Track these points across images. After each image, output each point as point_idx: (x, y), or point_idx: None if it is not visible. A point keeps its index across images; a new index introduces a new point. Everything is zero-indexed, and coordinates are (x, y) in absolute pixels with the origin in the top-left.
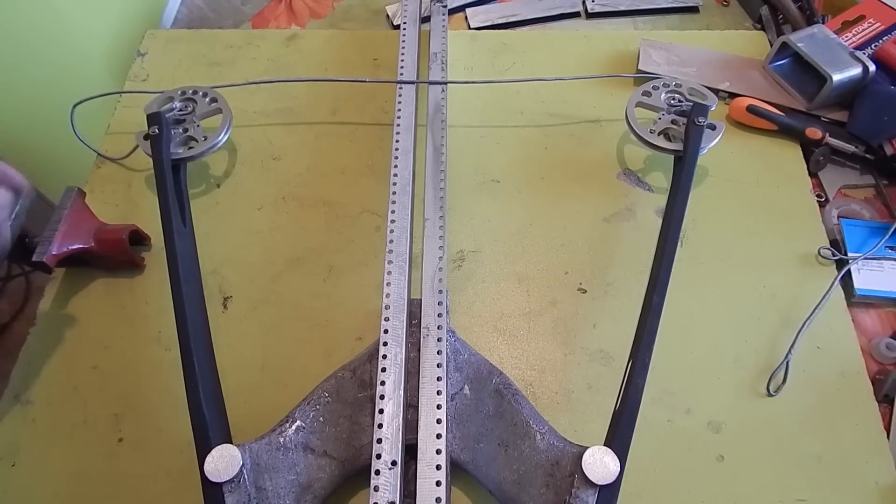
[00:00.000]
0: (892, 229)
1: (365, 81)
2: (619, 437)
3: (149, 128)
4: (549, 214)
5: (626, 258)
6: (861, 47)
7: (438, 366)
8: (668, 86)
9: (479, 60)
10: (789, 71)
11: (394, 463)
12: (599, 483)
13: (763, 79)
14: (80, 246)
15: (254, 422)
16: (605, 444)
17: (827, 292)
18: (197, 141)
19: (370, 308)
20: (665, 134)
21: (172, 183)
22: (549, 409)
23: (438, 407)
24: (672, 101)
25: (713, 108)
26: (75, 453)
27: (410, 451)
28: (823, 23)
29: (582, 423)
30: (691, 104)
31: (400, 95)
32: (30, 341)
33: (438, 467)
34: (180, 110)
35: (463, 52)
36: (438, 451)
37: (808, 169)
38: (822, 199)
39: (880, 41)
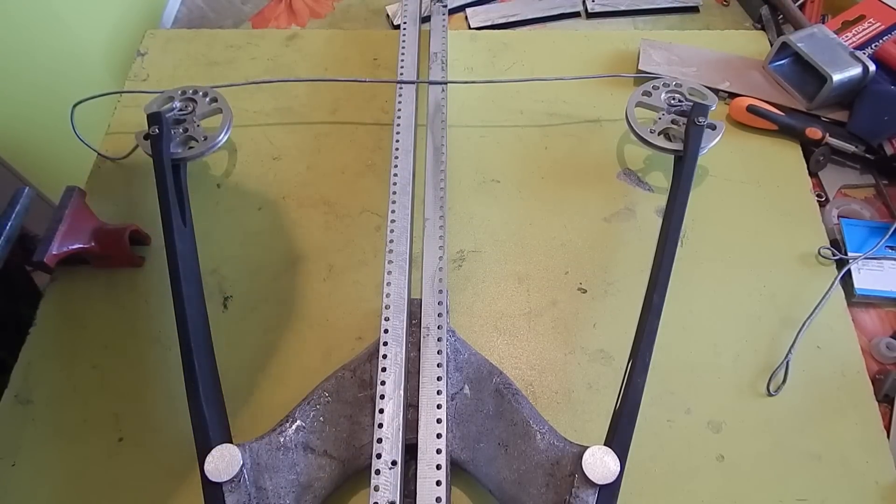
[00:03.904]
0: (892, 229)
1: (365, 81)
2: (619, 437)
3: (149, 128)
4: (549, 214)
5: (626, 258)
6: (861, 47)
7: (438, 365)
8: (668, 86)
9: (479, 60)
10: (789, 71)
11: (394, 463)
12: (599, 483)
13: (763, 79)
14: (80, 246)
15: (254, 422)
16: (605, 444)
17: (827, 292)
18: (197, 141)
19: (370, 308)
20: (665, 134)
21: (172, 183)
22: (549, 408)
23: (438, 407)
24: (672, 101)
25: (713, 108)
26: (75, 453)
27: (410, 450)
28: (823, 22)
29: (582, 423)
30: (691, 104)
31: (400, 95)
32: (30, 341)
33: (438, 467)
34: (180, 110)
35: (463, 52)
36: (438, 451)
37: (809, 169)
38: (823, 199)
39: (880, 41)
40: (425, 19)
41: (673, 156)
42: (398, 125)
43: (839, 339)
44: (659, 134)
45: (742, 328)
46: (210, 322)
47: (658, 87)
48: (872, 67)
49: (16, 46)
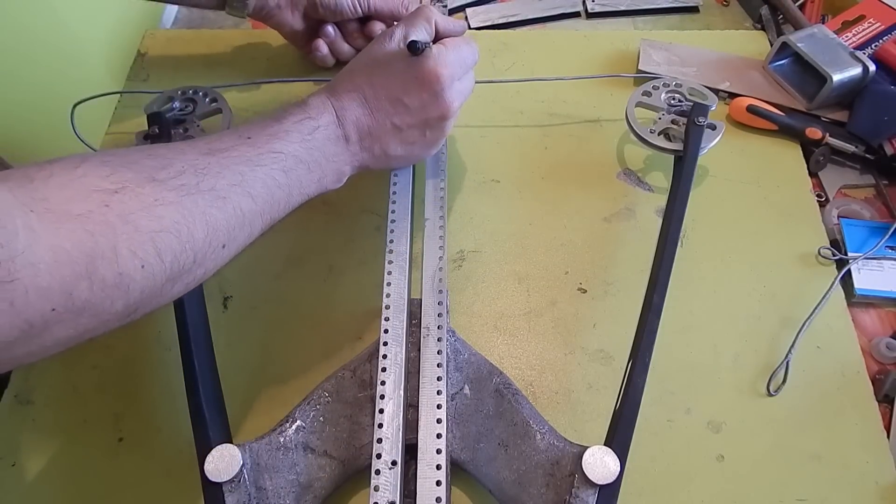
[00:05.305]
0: (892, 229)
1: None
2: (619, 437)
3: (149, 128)
4: (549, 214)
5: (626, 258)
6: (861, 47)
7: (438, 365)
8: (668, 86)
9: (479, 60)
10: (789, 71)
11: (394, 463)
12: (599, 483)
13: (763, 79)
14: None
15: (254, 422)
16: (605, 444)
17: (827, 292)
18: None
19: (370, 308)
20: (665, 134)
21: None
22: (549, 408)
23: (438, 407)
24: (672, 101)
25: (713, 108)
26: (75, 453)
27: (410, 450)
28: (823, 23)
29: (582, 423)
30: (691, 104)
31: None
32: None
33: (438, 467)
34: (180, 110)
35: None
36: (438, 451)
37: (809, 169)
38: (823, 199)
39: (880, 41)
40: None
41: (673, 156)
42: None
43: (839, 340)
44: (659, 134)
45: (742, 328)
46: (210, 322)
47: (658, 88)
48: (872, 67)
49: (16, 46)
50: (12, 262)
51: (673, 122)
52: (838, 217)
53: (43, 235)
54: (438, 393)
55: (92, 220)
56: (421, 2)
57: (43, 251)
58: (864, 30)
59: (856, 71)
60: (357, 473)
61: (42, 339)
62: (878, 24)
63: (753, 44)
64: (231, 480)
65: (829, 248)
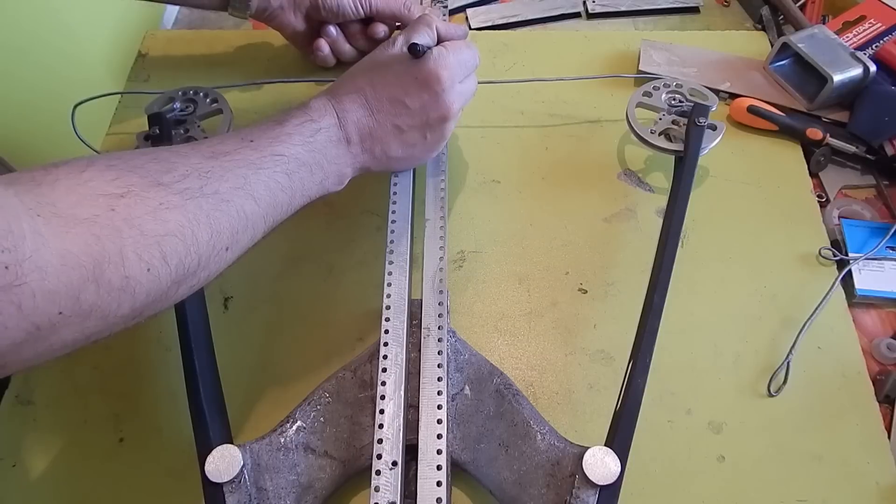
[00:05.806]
0: (892, 230)
1: None
2: (619, 438)
3: (149, 128)
4: (550, 215)
5: (626, 258)
6: (862, 48)
7: (439, 366)
8: (669, 86)
9: (479, 62)
10: (790, 71)
11: (394, 463)
12: (600, 483)
13: (764, 79)
14: None
15: (254, 422)
16: (605, 445)
17: (828, 293)
18: None
19: (370, 308)
20: (666, 134)
21: None
22: (550, 409)
23: (439, 407)
24: (673, 102)
25: (714, 109)
26: (75, 453)
27: (411, 451)
28: (824, 23)
29: (582, 424)
30: (692, 105)
31: None
32: None
33: (439, 467)
34: (181, 111)
35: None
36: (439, 452)
37: (809, 169)
38: (823, 200)
39: (881, 41)
40: None
41: (673, 156)
42: None
43: (840, 340)
44: (659, 134)
45: (742, 329)
46: (211, 323)
47: (658, 88)
48: (873, 68)
49: (16, 47)
50: (20, 266)
51: (673, 122)
52: (839, 217)
53: (50, 239)
54: (439, 393)
55: (98, 225)
56: (422, 2)
57: (50, 255)
58: (864, 30)
59: (856, 71)
60: (357, 474)
61: (49, 342)
62: (879, 25)
63: (754, 44)
64: (231, 481)
65: (829, 249)
